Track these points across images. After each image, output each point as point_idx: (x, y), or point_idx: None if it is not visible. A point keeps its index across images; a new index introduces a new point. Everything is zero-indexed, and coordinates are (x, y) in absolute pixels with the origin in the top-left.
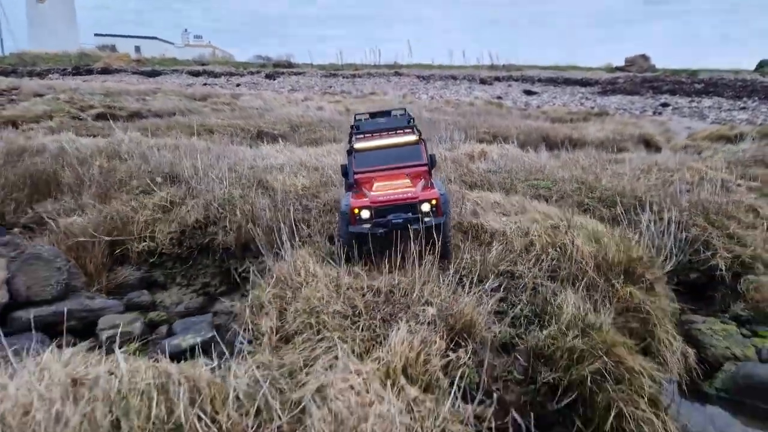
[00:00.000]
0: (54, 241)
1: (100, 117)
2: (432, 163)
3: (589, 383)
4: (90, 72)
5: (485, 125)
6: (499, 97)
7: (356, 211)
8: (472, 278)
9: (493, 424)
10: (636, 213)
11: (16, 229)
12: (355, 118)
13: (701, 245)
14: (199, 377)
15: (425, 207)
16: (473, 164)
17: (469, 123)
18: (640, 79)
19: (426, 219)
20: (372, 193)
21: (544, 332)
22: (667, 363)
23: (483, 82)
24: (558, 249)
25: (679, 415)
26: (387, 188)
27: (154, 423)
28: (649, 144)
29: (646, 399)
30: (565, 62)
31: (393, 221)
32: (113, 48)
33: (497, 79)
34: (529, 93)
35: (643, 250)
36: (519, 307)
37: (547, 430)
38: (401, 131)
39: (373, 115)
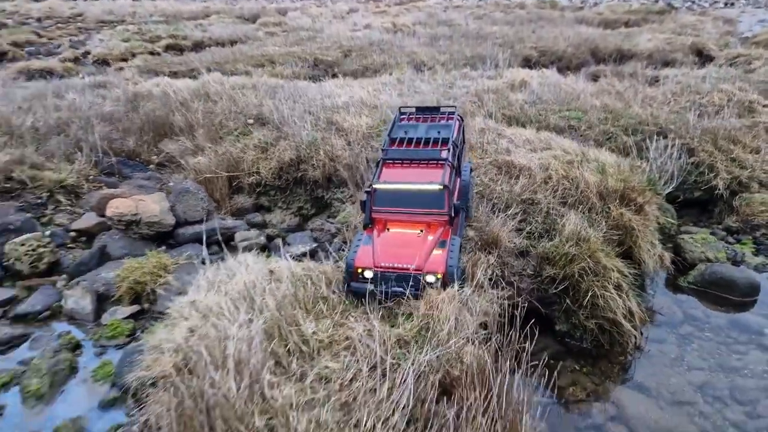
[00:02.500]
0: (186, 177)
1: (169, 48)
2: (456, 212)
3: (576, 276)
4: None
5: (533, 38)
6: None
7: (360, 270)
8: (501, 206)
9: (510, 302)
10: (652, 141)
11: (151, 166)
12: (400, 111)
13: (706, 168)
14: (326, 269)
15: (430, 278)
16: (514, 95)
17: (517, 35)
18: None
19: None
20: (378, 248)
21: (550, 243)
22: (645, 263)
23: None
24: (570, 181)
25: (652, 300)
26: (395, 244)
27: (311, 296)
28: (701, 54)
29: (612, 285)
30: None
31: (392, 289)
32: None
33: None
34: None
35: (640, 178)
36: (534, 225)
37: (546, 307)
38: (432, 164)
39: (420, 110)
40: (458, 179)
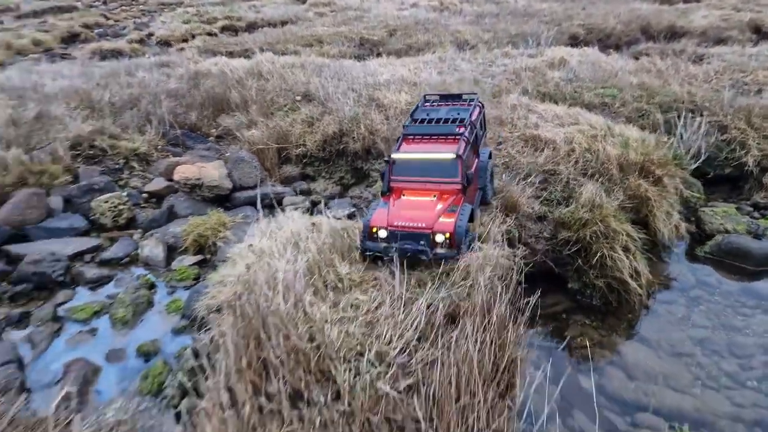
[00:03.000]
0: (241, 148)
1: (225, 29)
2: (468, 182)
3: (588, 239)
4: None
5: (582, 15)
6: None
7: (374, 229)
8: (523, 175)
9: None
10: (686, 118)
11: (210, 138)
12: (425, 97)
13: (737, 145)
14: (361, 226)
15: (439, 238)
16: (551, 72)
17: (566, 12)
18: None
19: (438, 251)
20: (392, 210)
21: (567, 209)
22: (659, 232)
23: None
24: (591, 153)
25: (668, 266)
26: (409, 207)
27: (347, 246)
28: (759, 30)
29: (620, 248)
30: None
31: (402, 247)
32: None
33: None
34: None
35: (661, 153)
36: (553, 193)
37: (560, 267)
38: (449, 139)
39: (444, 97)
40: (476, 159)
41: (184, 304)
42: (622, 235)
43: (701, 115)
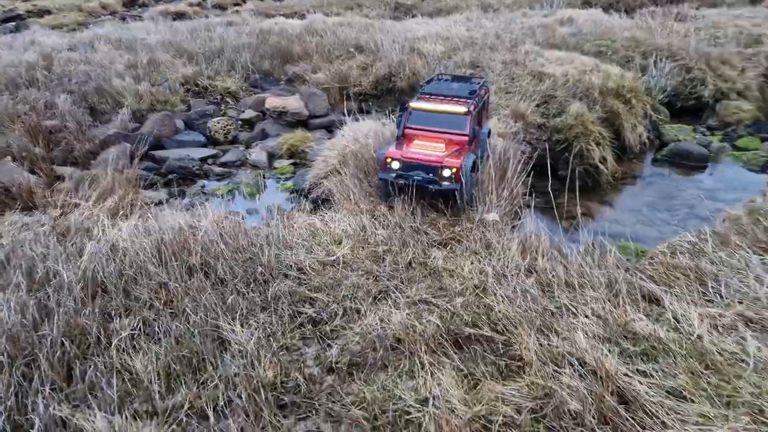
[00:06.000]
0: (310, 87)
1: None
2: (474, 135)
3: (572, 138)
4: None
5: None
6: None
7: (388, 160)
8: (529, 97)
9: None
10: (660, 61)
11: (281, 82)
12: (437, 76)
13: (698, 82)
14: None
15: (446, 172)
16: (560, 28)
17: None
18: None
19: (444, 183)
20: (406, 148)
21: (559, 119)
22: (627, 138)
23: None
24: (581, 83)
25: (634, 166)
26: (421, 147)
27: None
28: None
29: (594, 143)
30: None
31: (413, 177)
32: None
33: None
34: None
35: (633, 83)
36: (550, 109)
37: (554, 160)
38: (460, 100)
39: (456, 78)
40: (479, 129)
41: (293, 183)
42: (596, 133)
43: (674, 60)
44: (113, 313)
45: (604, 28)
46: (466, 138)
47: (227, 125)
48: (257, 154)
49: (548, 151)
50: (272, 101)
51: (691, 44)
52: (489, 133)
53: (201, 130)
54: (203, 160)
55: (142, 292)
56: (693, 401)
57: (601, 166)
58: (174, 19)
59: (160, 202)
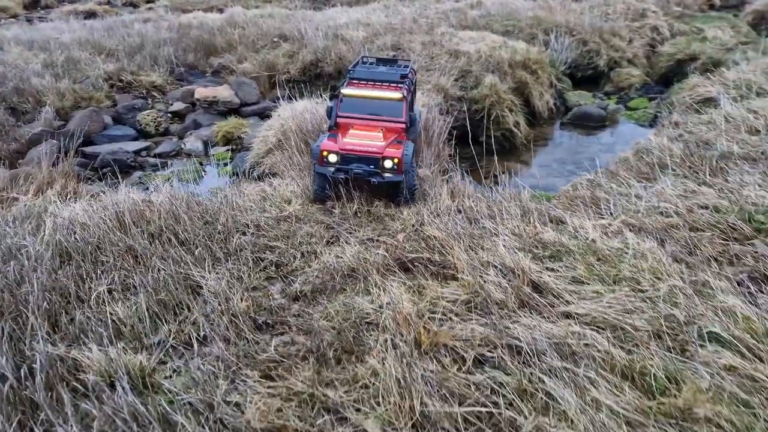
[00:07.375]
0: (238, 77)
1: None
2: (411, 123)
3: (488, 107)
4: None
5: None
6: None
7: (325, 153)
8: (448, 72)
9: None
10: (560, 36)
11: (207, 74)
12: (362, 60)
13: (594, 53)
14: None
15: (388, 163)
16: (471, 11)
17: None
18: None
19: (386, 174)
20: (343, 139)
21: (475, 90)
22: (535, 105)
23: None
24: (492, 58)
25: (544, 130)
26: (358, 138)
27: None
28: None
29: (507, 110)
30: None
31: (353, 170)
32: None
33: None
34: None
35: (537, 56)
36: (468, 83)
37: (474, 129)
38: (393, 86)
39: (381, 61)
40: (414, 114)
41: (232, 167)
42: (508, 101)
43: (572, 35)
44: (85, 276)
45: (510, 10)
46: (404, 126)
47: (157, 117)
48: (192, 143)
49: (468, 120)
50: (202, 92)
51: (586, 20)
52: (420, 114)
53: (131, 124)
54: (137, 152)
55: (109, 257)
56: (588, 284)
57: (516, 130)
58: (85, 18)
59: (102, 192)
